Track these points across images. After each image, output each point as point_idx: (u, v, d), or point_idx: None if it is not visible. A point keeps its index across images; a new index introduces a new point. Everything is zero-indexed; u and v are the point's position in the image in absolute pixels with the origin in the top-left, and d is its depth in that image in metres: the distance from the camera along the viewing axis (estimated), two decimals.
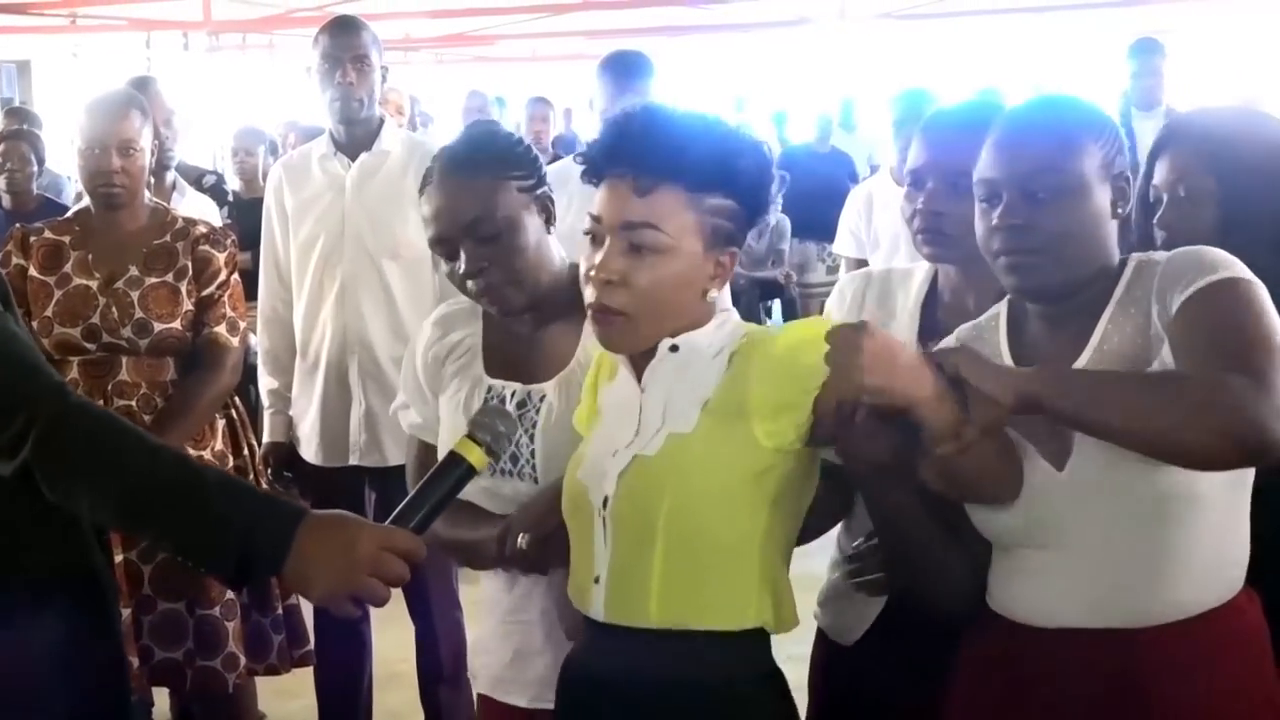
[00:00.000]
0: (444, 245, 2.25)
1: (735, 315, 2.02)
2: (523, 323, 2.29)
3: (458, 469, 1.87)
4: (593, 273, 1.92)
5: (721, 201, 1.92)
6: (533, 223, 2.25)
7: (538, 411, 2.22)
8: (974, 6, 13.53)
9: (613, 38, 13.27)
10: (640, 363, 1.98)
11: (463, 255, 2.22)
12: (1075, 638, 1.88)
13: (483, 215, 2.20)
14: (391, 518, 1.86)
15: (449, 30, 14.31)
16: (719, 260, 1.94)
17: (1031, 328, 1.99)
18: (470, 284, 2.24)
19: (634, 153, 1.92)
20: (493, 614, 2.36)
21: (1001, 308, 2.05)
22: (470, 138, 2.42)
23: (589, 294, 1.94)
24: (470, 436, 1.88)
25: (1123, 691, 1.85)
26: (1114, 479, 1.84)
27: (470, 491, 2.08)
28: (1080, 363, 1.90)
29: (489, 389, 2.27)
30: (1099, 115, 1.97)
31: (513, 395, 2.25)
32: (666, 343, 1.94)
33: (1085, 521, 1.87)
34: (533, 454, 2.21)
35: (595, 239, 1.94)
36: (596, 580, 1.96)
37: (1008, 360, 1.98)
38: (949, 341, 2.04)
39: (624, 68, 4.13)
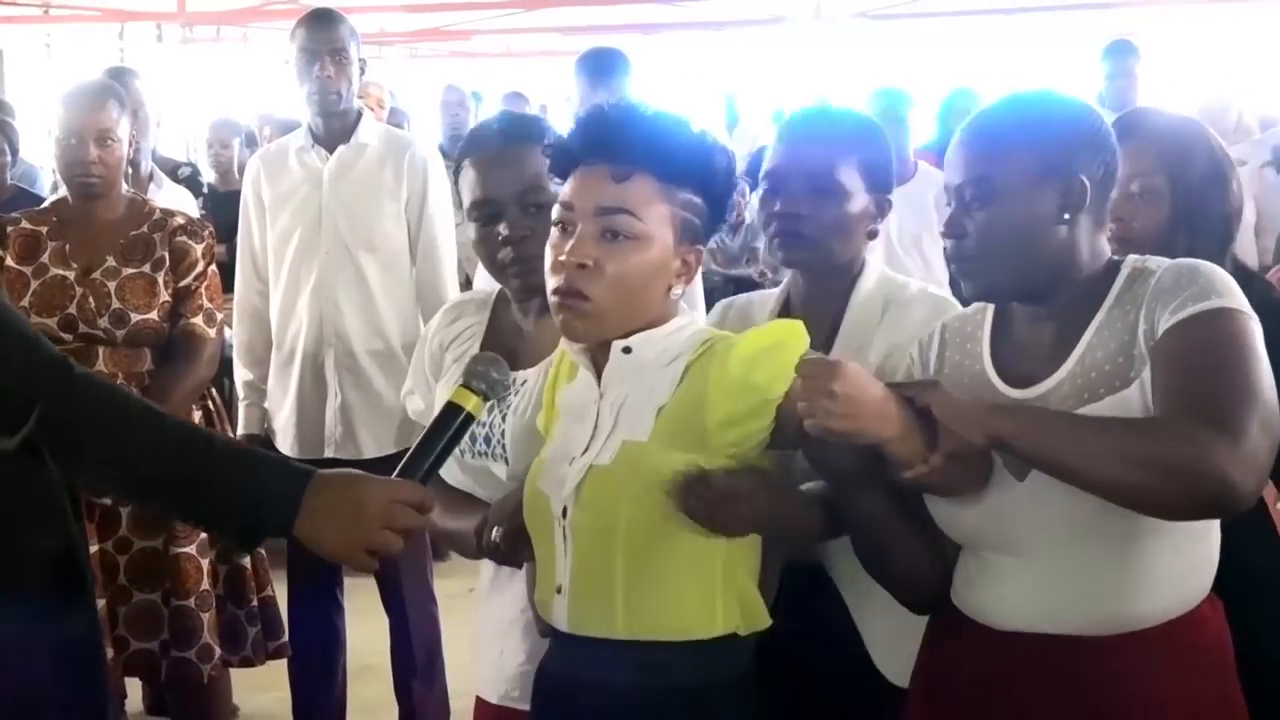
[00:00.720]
0: (487, 208, 2.25)
1: (699, 321, 2.01)
2: (527, 313, 2.30)
3: (456, 417, 1.89)
4: (563, 258, 1.90)
5: (692, 197, 1.94)
6: None
7: (516, 394, 2.23)
8: (949, 7, 13.57)
9: (588, 34, 13.26)
10: (601, 363, 1.97)
11: (506, 221, 2.22)
12: (1036, 642, 1.87)
13: (535, 184, 2.22)
14: (397, 470, 1.89)
15: (424, 25, 14.26)
16: (685, 258, 1.95)
17: (1017, 325, 1.97)
18: (505, 252, 2.23)
19: (611, 142, 1.92)
20: (484, 617, 2.35)
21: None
22: (524, 115, 2.46)
23: (554, 281, 1.92)
24: (465, 385, 1.90)
25: (1082, 698, 1.85)
26: (1070, 494, 1.81)
27: (465, 469, 2.18)
28: (1059, 377, 1.88)
29: None
30: (1051, 116, 1.92)
31: None
32: (619, 344, 1.93)
33: (1045, 531, 1.86)
34: (503, 436, 2.22)
35: (565, 228, 1.93)
36: (559, 590, 1.95)
37: (987, 355, 1.98)
38: (934, 336, 2.05)
39: (601, 65, 4.16)
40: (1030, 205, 1.88)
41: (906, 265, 5.10)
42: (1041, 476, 1.81)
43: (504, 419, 2.23)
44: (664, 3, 12.76)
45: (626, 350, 1.93)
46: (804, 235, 2.22)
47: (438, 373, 2.37)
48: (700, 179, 1.94)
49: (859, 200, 2.22)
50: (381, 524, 1.82)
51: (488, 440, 2.24)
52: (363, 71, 3.84)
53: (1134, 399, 1.81)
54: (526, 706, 2.14)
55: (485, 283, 2.61)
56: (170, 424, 1.92)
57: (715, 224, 1.98)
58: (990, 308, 2.02)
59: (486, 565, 2.32)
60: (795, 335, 1.88)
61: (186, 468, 1.85)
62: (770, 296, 2.39)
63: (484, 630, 2.34)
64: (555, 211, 1.95)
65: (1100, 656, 1.85)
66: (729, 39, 15.56)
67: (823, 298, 2.26)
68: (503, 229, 2.23)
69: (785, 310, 2.28)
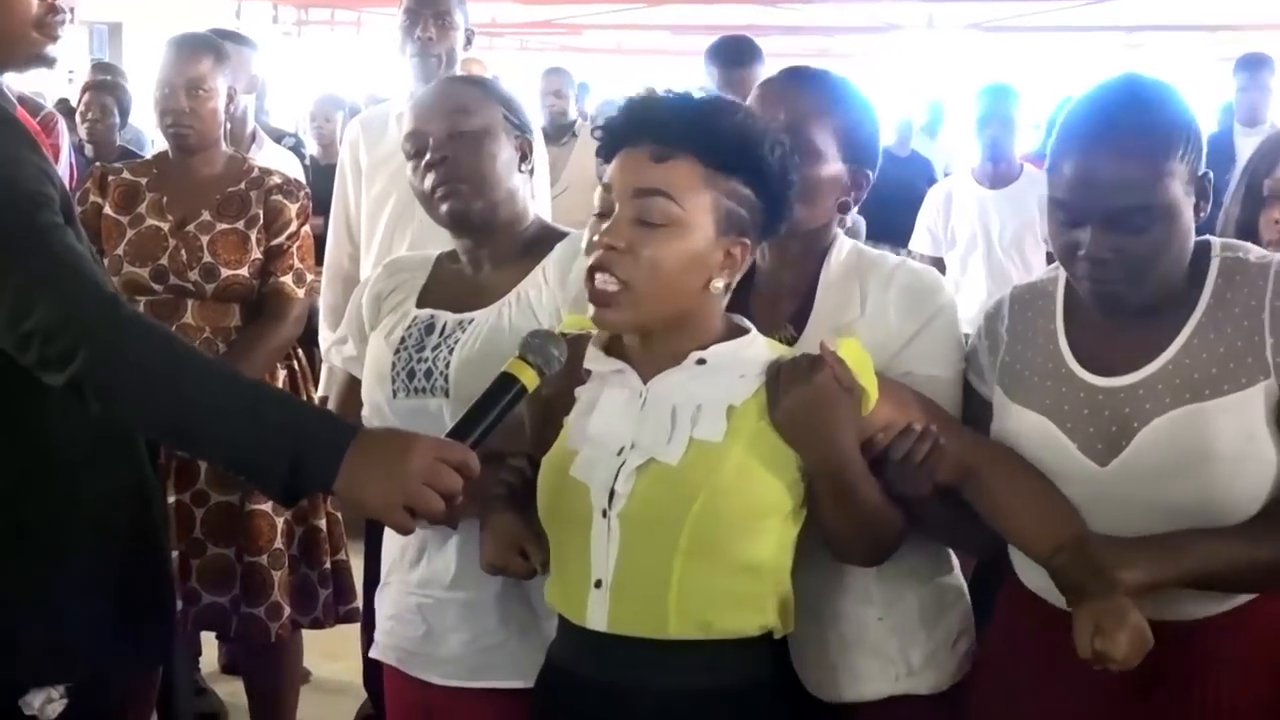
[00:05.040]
0: (415, 140, 2.25)
1: (760, 336, 1.93)
2: (473, 261, 2.28)
3: (510, 389, 1.85)
4: (596, 238, 1.85)
5: (740, 187, 1.85)
6: (506, 147, 2.26)
7: (463, 332, 2.21)
8: (1061, 22, 13.40)
9: (697, 34, 13.25)
10: (637, 355, 1.90)
11: (430, 145, 2.21)
12: None
13: (460, 109, 2.23)
14: (447, 434, 1.85)
15: (536, 17, 14.33)
16: (729, 249, 1.85)
17: (1094, 311, 1.92)
18: (429, 178, 2.21)
19: (654, 122, 1.85)
20: (397, 583, 2.32)
21: (1060, 272, 1.98)
22: (470, 74, 2.49)
23: (588, 262, 1.86)
24: (521, 358, 1.86)
25: (1170, 684, 1.81)
26: (1163, 484, 1.80)
27: (396, 411, 2.18)
28: (1151, 370, 1.85)
29: (414, 318, 2.27)
30: (1180, 119, 1.84)
31: (443, 324, 2.24)
32: (694, 355, 1.86)
33: (1125, 518, 1.82)
34: (447, 368, 2.19)
35: (604, 213, 1.86)
36: (598, 585, 1.86)
37: (1061, 334, 1.94)
38: (1001, 306, 2.02)
39: (733, 53, 4.12)
40: (1185, 217, 1.83)
41: (1007, 268, 5.03)
42: (1125, 469, 1.82)
43: (450, 353, 2.19)
44: (777, 5, 12.68)
45: (701, 362, 1.86)
46: None
47: (374, 322, 2.35)
48: (750, 168, 1.85)
49: (831, 166, 2.06)
50: (423, 480, 1.77)
51: (428, 375, 2.20)
52: (469, 42, 3.81)
53: (1256, 401, 1.79)
54: (445, 683, 2.20)
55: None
56: (216, 371, 1.89)
57: (771, 221, 1.89)
58: (1062, 281, 1.97)
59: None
60: (863, 356, 1.84)
61: (229, 415, 1.82)
62: None
63: (402, 603, 2.30)
64: (596, 195, 1.89)
65: (1188, 641, 1.83)
66: (841, 44, 15.48)
67: (790, 273, 2.11)
68: (427, 155, 2.22)
69: (748, 286, 2.08)
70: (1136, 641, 1.67)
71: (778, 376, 1.84)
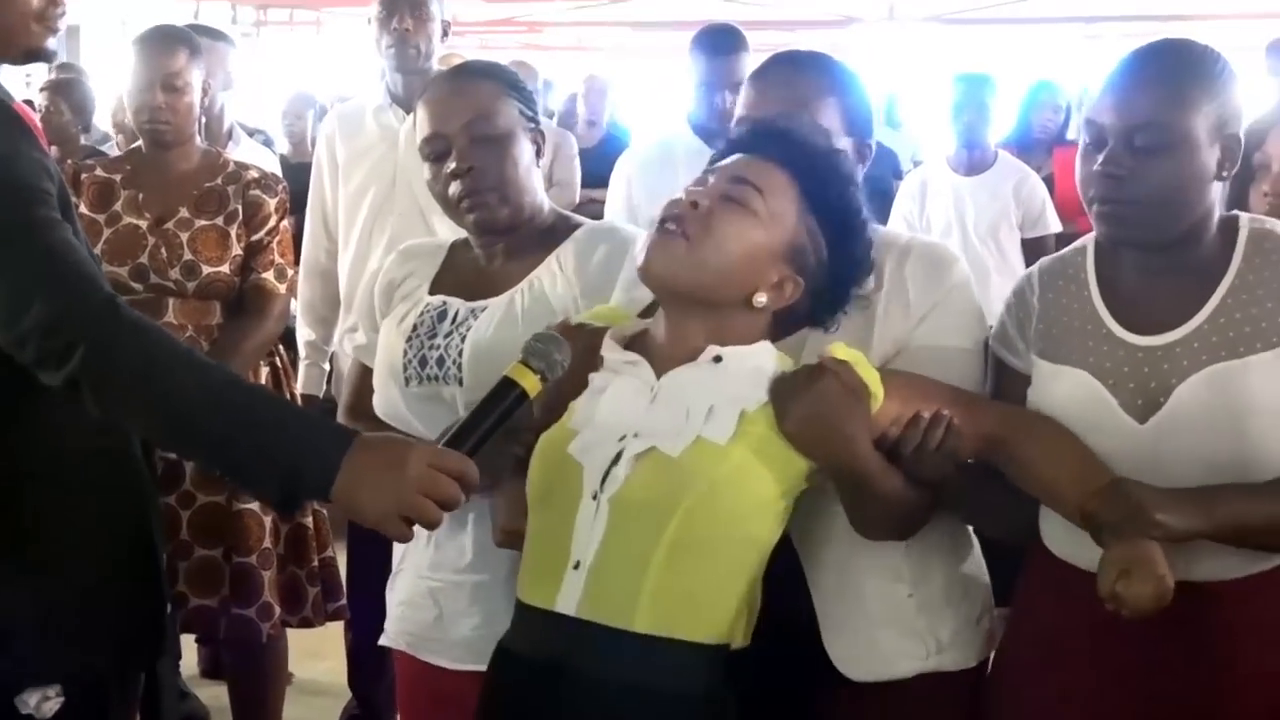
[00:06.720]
0: (435, 143, 2.21)
1: (771, 347, 1.92)
2: (492, 258, 2.26)
3: (510, 394, 1.82)
4: (683, 195, 1.88)
5: (817, 230, 1.90)
6: (527, 147, 2.23)
7: (476, 320, 2.19)
8: (1021, 14, 13.46)
9: (659, 30, 13.26)
10: (652, 347, 1.91)
11: (454, 154, 2.18)
12: None
13: (483, 114, 2.19)
14: (443, 442, 1.82)
15: (496, 15, 14.29)
16: (785, 277, 1.89)
17: (1126, 273, 1.96)
18: (455, 186, 2.19)
19: (778, 139, 1.92)
20: (410, 569, 2.31)
21: (1088, 243, 2.02)
22: (478, 60, 2.47)
23: (665, 211, 1.88)
24: (524, 362, 1.83)
25: (1194, 650, 1.81)
26: (1201, 440, 1.81)
27: (408, 399, 2.17)
28: (1190, 327, 1.88)
29: (426, 305, 2.25)
30: (1220, 73, 1.91)
31: (455, 312, 2.22)
32: (711, 351, 1.86)
33: (1163, 475, 1.82)
34: (460, 355, 2.17)
35: (700, 181, 1.91)
36: (576, 566, 1.83)
37: (1097, 297, 1.96)
38: (1031, 279, 2.03)
39: (719, 41, 4.11)
40: (1202, 160, 1.86)
41: (982, 255, 5.03)
42: (1165, 425, 1.84)
43: (463, 340, 2.18)
44: (737, 1, 12.69)
45: (717, 360, 1.86)
46: None
47: (386, 309, 2.32)
48: (835, 220, 1.91)
49: (840, 144, 2.08)
50: (421, 489, 1.74)
51: (440, 363, 2.19)
52: (446, 33, 3.78)
53: None
54: (456, 667, 2.19)
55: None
56: (214, 374, 1.86)
57: (830, 282, 1.91)
58: (1090, 251, 2.00)
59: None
60: (858, 357, 1.85)
61: (226, 420, 1.79)
62: None
63: (414, 587, 2.30)
64: (706, 169, 1.93)
65: (1224, 603, 1.84)
66: (802, 38, 15.51)
67: None
68: (451, 163, 2.18)
69: None
70: (1159, 595, 1.68)
71: (782, 391, 1.84)
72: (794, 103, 2.04)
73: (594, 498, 1.84)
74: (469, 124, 2.17)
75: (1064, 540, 1.94)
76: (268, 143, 6.31)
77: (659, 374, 1.88)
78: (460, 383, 2.16)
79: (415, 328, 2.23)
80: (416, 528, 1.78)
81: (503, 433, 1.84)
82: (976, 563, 2.16)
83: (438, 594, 2.25)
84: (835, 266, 1.92)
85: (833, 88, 2.12)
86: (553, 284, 2.20)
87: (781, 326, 1.94)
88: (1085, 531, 1.81)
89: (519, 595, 1.91)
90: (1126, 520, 1.74)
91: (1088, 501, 1.79)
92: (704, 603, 1.83)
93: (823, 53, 2.24)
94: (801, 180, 1.89)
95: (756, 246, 1.86)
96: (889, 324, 1.99)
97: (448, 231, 3.65)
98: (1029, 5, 12.94)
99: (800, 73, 2.14)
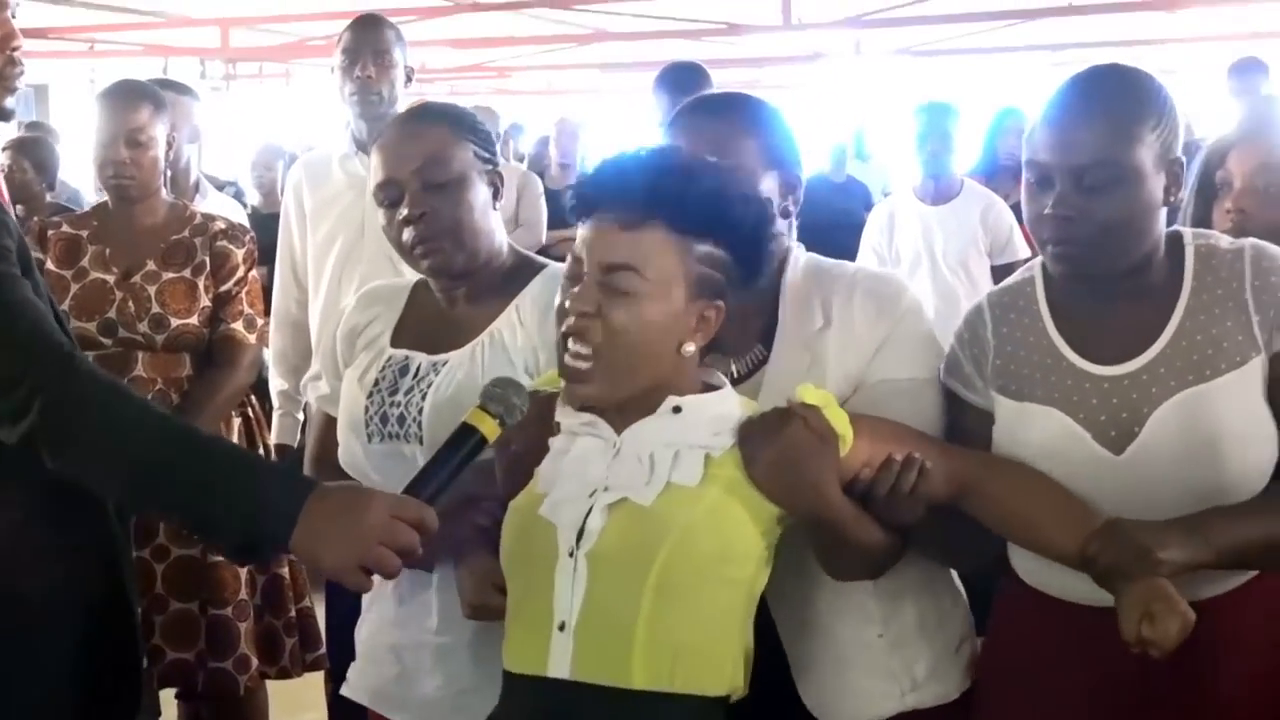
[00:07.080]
0: (388, 189, 2.18)
1: (733, 393, 1.91)
2: (454, 302, 2.23)
3: (469, 440, 1.82)
4: (568, 304, 1.83)
5: (712, 250, 1.83)
6: (482, 190, 2.20)
7: (437, 375, 2.17)
8: (989, 44, 13.55)
9: (628, 71, 13.30)
10: (613, 413, 1.87)
11: (407, 199, 2.15)
12: (1112, 615, 1.80)
13: (434, 158, 2.15)
14: (403, 490, 1.82)
15: (465, 61, 14.33)
16: (702, 313, 1.84)
17: (1078, 303, 1.95)
18: (408, 232, 2.15)
19: (622, 189, 1.83)
20: (376, 622, 2.28)
21: (1035, 271, 2.00)
22: (433, 101, 2.44)
23: (560, 327, 1.84)
24: (482, 408, 1.83)
25: (1178, 667, 1.80)
26: (1178, 466, 1.82)
27: (370, 455, 2.14)
28: (1151, 355, 1.88)
29: (389, 358, 2.22)
30: (1157, 98, 1.90)
31: (416, 366, 2.19)
32: (671, 401, 1.84)
33: (1145, 505, 1.82)
34: (420, 413, 2.15)
35: (574, 279, 1.84)
36: (561, 628, 1.79)
37: (1051, 327, 1.94)
38: (981, 311, 2.02)
39: (681, 79, 4.12)
40: (1150, 189, 1.86)
41: (952, 284, 5.05)
42: (1140, 456, 1.85)
43: (424, 398, 2.15)
44: (705, 40, 12.74)
45: (677, 410, 1.84)
46: None
47: (349, 357, 2.30)
48: (721, 229, 1.83)
49: (765, 182, 2.02)
50: (380, 539, 1.74)
51: (401, 420, 2.16)
52: (409, 79, 3.79)
53: (1254, 377, 1.84)
54: None
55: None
56: (171, 426, 1.86)
57: (747, 276, 1.87)
58: (1038, 280, 1.99)
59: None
60: (827, 399, 1.83)
61: (185, 471, 1.80)
62: None
63: (378, 642, 2.26)
64: (567, 261, 1.87)
65: (1203, 620, 1.81)
66: (770, 75, 15.57)
67: (750, 291, 2.02)
68: (404, 209, 2.15)
69: None
70: (1184, 629, 1.68)
71: (750, 437, 1.82)
72: (709, 148, 1.97)
73: (570, 555, 1.81)
74: (420, 169, 2.14)
75: (1035, 570, 1.94)
76: (239, 195, 6.35)
77: (618, 430, 1.86)
78: (421, 441, 2.14)
79: (377, 383, 2.21)
80: (376, 577, 1.77)
81: (464, 502, 1.84)
82: (951, 588, 2.13)
83: (401, 651, 2.22)
84: (743, 251, 1.86)
85: (748, 129, 2.05)
86: (513, 336, 2.18)
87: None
88: (1078, 570, 1.82)
89: (506, 667, 1.87)
90: (1132, 562, 1.73)
91: (1086, 545, 1.78)
92: (698, 651, 1.79)
93: (737, 93, 2.20)
94: (666, 219, 1.81)
95: (660, 318, 1.81)
96: (843, 361, 1.96)
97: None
98: (995, 35, 13.02)
99: (712, 118, 2.08)
